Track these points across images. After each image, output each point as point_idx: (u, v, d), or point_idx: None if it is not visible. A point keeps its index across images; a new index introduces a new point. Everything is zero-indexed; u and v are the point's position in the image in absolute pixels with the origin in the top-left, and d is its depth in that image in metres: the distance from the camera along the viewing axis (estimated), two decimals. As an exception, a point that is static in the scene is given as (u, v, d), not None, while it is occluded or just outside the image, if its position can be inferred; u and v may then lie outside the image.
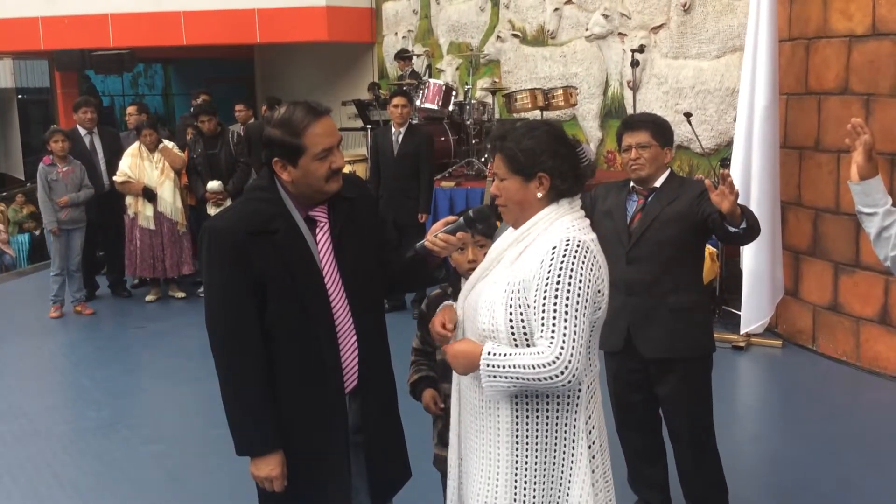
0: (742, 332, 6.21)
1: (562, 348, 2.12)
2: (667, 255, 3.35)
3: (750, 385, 5.91)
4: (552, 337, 2.13)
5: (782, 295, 6.26)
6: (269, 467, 2.46)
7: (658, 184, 3.42)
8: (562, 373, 2.11)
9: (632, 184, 3.47)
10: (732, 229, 3.16)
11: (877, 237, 2.78)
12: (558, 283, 2.15)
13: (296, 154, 2.39)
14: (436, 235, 2.49)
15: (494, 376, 2.17)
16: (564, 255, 2.16)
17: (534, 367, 2.12)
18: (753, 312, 6.13)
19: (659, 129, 3.41)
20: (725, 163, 7.04)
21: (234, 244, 2.41)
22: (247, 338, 2.44)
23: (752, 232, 3.21)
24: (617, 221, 3.43)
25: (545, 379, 2.12)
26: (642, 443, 3.65)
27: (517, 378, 2.14)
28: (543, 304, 2.15)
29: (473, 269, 2.75)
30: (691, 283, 3.45)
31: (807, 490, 4.14)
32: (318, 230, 2.51)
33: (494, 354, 2.17)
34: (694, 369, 3.43)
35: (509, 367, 2.15)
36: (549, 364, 2.11)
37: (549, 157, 2.27)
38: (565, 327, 2.13)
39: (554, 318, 2.13)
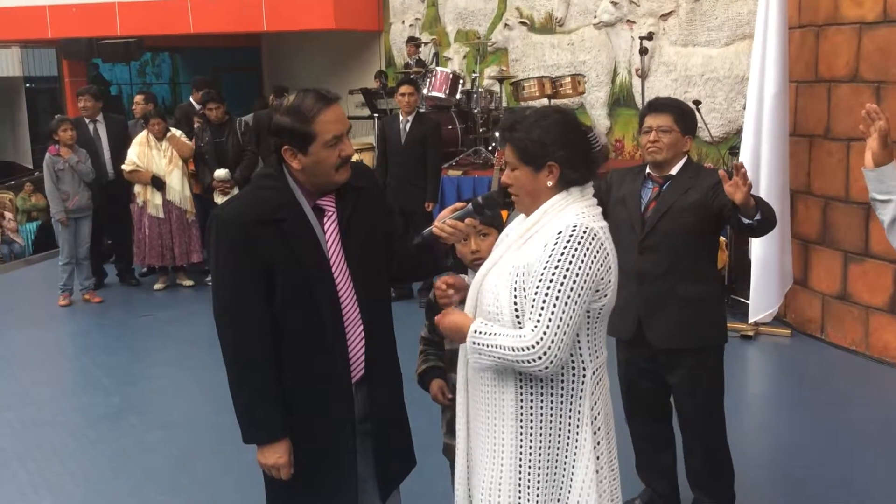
0: (750, 321, 6.19)
1: (544, 333, 2.12)
2: (679, 244, 3.32)
3: (758, 374, 5.89)
4: (538, 321, 2.13)
5: (791, 284, 6.23)
6: (275, 455, 2.47)
7: (674, 171, 3.38)
8: (539, 358, 2.12)
9: (647, 170, 3.44)
10: (746, 221, 3.12)
11: (891, 225, 2.75)
12: (556, 268, 2.14)
13: (306, 142, 2.39)
14: (443, 222, 2.48)
15: (479, 353, 2.20)
16: (568, 241, 2.16)
17: (513, 350, 2.14)
18: (762, 301, 6.11)
19: (683, 115, 3.37)
20: (734, 151, 7.01)
21: (242, 232, 2.41)
22: (254, 326, 2.44)
23: (766, 224, 3.17)
24: (631, 210, 3.40)
25: (523, 362, 2.14)
26: (651, 430, 3.64)
27: (499, 358, 2.17)
28: (537, 288, 2.15)
29: (477, 259, 2.73)
30: (704, 274, 3.42)
31: (815, 479, 4.14)
32: (325, 219, 2.50)
33: (480, 333, 2.20)
34: (704, 360, 3.41)
35: (492, 346, 2.17)
36: (528, 348, 2.12)
37: (559, 147, 2.25)
38: (552, 313, 2.12)
39: (544, 302, 2.13)
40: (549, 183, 2.26)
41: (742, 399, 5.20)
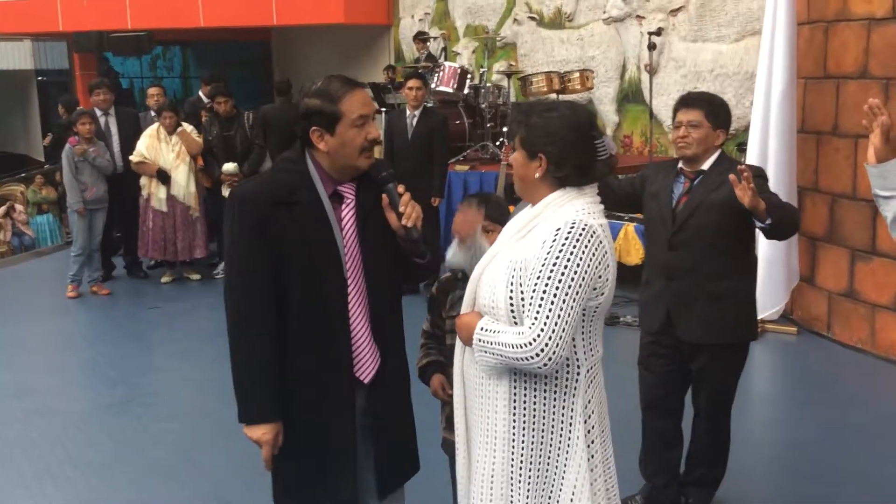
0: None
1: (541, 330, 2.11)
2: (709, 241, 3.31)
3: (764, 372, 5.87)
4: (535, 318, 2.12)
5: (797, 281, 6.21)
6: (261, 431, 2.46)
7: (706, 166, 3.36)
8: (537, 355, 2.11)
9: (679, 164, 3.43)
10: (759, 224, 3.12)
11: (894, 221, 2.73)
12: (554, 264, 2.13)
13: (333, 121, 2.43)
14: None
15: (484, 351, 2.20)
16: (567, 238, 2.14)
17: (512, 347, 2.13)
18: (768, 299, 6.08)
19: (714, 109, 3.35)
20: (742, 148, 6.97)
21: (259, 212, 2.44)
22: (259, 297, 2.44)
23: (783, 226, 3.17)
24: (662, 205, 3.40)
25: (522, 359, 2.13)
26: (663, 425, 3.65)
27: (501, 356, 2.16)
28: (535, 284, 2.14)
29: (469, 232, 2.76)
30: (733, 270, 3.39)
31: (820, 477, 4.12)
32: (343, 206, 2.52)
33: (485, 330, 2.20)
34: (727, 352, 3.44)
35: (494, 343, 2.17)
36: (526, 345, 2.11)
37: (551, 141, 2.23)
38: (550, 310, 2.11)
39: (542, 299, 2.12)
40: (537, 174, 2.26)
41: (747, 397, 5.17)
